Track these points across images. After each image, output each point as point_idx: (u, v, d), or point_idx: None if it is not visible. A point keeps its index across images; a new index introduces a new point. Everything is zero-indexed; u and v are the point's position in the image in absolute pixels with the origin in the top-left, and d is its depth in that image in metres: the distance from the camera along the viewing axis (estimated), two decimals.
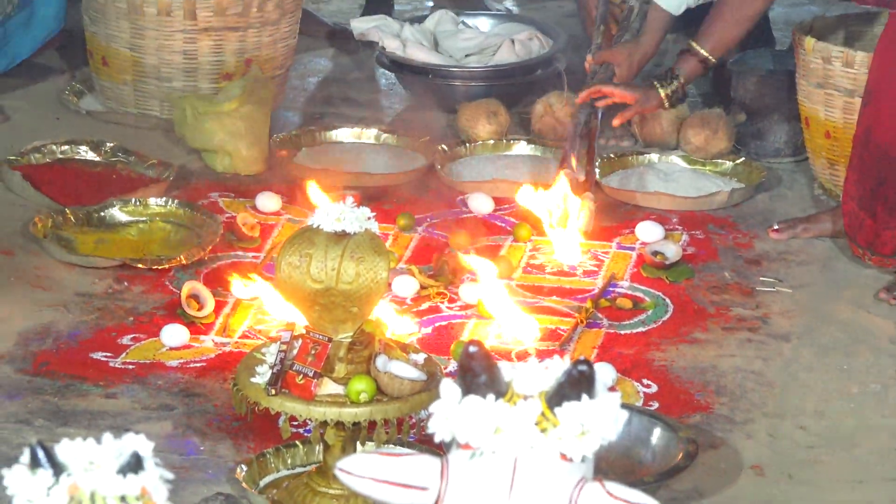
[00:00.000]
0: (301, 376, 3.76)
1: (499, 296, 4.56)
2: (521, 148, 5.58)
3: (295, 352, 3.83)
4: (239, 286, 4.60)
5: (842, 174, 5.21)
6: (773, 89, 5.59)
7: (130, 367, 4.33)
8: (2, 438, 3.94)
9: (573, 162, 5.17)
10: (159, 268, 4.77)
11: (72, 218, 4.98)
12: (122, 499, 2.47)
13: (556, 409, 2.76)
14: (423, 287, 4.67)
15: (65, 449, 2.51)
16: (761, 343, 4.60)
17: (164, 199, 5.12)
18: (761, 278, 4.93)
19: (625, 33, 5.50)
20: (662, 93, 5.17)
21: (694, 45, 5.12)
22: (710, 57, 5.13)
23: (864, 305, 4.80)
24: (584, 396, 2.76)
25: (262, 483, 3.80)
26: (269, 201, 5.13)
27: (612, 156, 5.53)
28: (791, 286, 4.89)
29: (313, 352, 3.81)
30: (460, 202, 5.25)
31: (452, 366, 4.19)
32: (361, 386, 3.72)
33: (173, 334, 4.43)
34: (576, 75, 5.79)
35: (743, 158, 5.54)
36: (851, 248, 4.93)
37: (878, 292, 4.82)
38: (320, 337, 3.82)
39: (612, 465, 3.72)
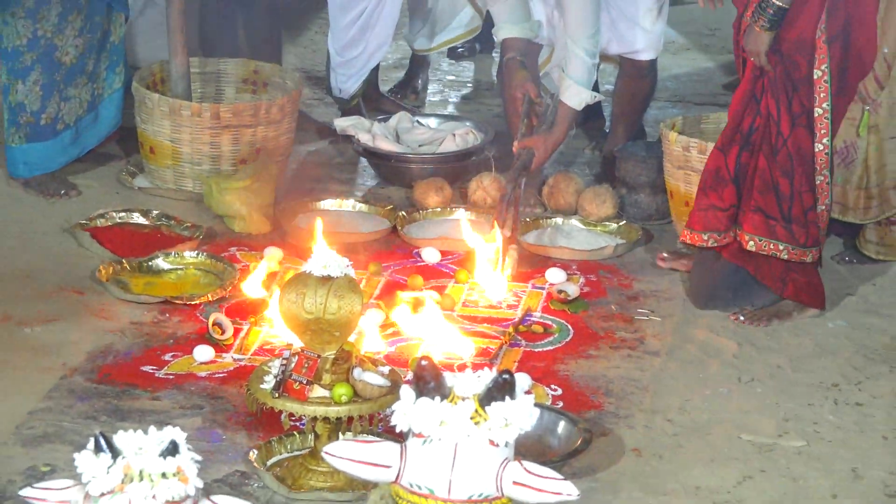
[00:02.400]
0: (297, 383, 3.76)
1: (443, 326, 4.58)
2: (461, 214, 5.53)
3: (293, 365, 3.82)
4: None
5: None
6: (646, 170, 5.58)
7: (171, 377, 4.31)
8: (75, 430, 3.93)
9: (503, 222, 5.18)
10: (192, 303, 4.76)
11: (127, 266, 4.97)
12: (163, 475, 2.47)
13: (486, 407, 2.77)
14: (387, 317, 4.66)
15: (120, 438, 2.51)
16: (639, 358, 4.59)
17: (196, 252, 5.10)
18: (639, 310, 4.92)
19: (542, 124, 5.51)
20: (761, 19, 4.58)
21: None
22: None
23: (715, 330, 4.81)
24: (507, 398, 2.77)
25: (268, 463, 3.79)
26: (273, 252, 5.09)
27: (528, 220, 5.50)
28: (660, 316, 4.89)
29: (306, 365, 3.80)
30: (415, 254, 5.23)
31: (410, 375, 4.18)
32: (342, 391, 3.71)
33: (202, 352, 4.42)
34: (501, 160, 5.79)
35: (624, 221, 5.52)
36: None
37: (658, 255, 5.03)
38: (311, 354, 3.82)
39: (528, 448, 3.70)
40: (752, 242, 4.75)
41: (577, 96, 5.44)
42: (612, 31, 5.75)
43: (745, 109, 4.75)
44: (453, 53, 7.18)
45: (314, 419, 3.71)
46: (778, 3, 4.51)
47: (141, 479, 2.49)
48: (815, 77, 4.61)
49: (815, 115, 4.62)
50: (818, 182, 4.71)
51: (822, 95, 4.63)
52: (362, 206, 5.60)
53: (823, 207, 4.76)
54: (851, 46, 4.63)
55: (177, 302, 4.77)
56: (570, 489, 2.77)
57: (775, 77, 4.64)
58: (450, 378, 2.90)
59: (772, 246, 4.74)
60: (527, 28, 5.58)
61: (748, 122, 4.73)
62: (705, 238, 4.83)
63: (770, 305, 4.87)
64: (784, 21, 4.56)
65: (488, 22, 6.42)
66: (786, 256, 4.75)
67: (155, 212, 5.41)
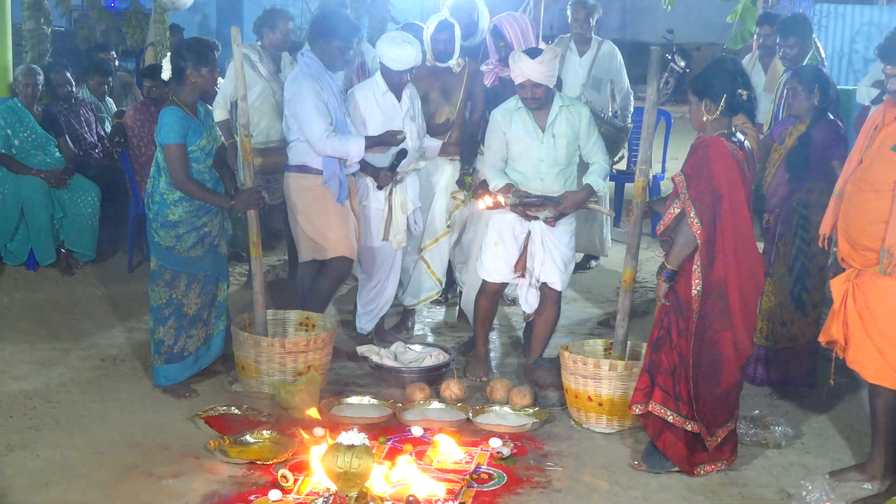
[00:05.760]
0: None
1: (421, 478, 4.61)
2: (436, 405, 5.54)
3: (330, 502, 3.87)
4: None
5: (584, 417, 5.25)
6: (551, 375, 5.59)
7: None
8: None
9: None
10: (268, 463, 4.76)
11: (227, 440, 4.98)
12: None
13: None
14: (389, 472, 4.61)
15: None
16: (548, 494, 4.62)
17: (270, 431, 5.11)
18: (547, 464, 4.91)
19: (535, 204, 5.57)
20: (661, 275, 4.68)
21: (665, 264, 4.69)
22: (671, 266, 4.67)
23: (595, 475, 4.83)
24: None
25: None
26: (318, 431, 5.08)
27: (478, 407, 5.48)
28: (561, 467, 4.89)
29: (339, 502, 3.86)
30: (408, 431, 5.21)
31: None
32: None
33: (274, 494, 4.44)
34: (460, 370, 5.86)
35: (538, 408, 5.50)
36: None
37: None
38: (342, 494, 3.88)
39: None
40: (650, 408, 4.70)
41: (597, 181, 5.56)
42: (541, 268, 5.76)
43: (655, 326, 4.77)
44: (436, 301, 7.19)
45: None
46: (670, 268, 4.65)
47: None
48: (693, 294, 4.59)
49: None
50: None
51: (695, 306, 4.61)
52: (374, 401, 5.59)
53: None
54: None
55: (258, 463, 4.78)
56: None
57: (671, 307, 4.69)
58: None
59: (664, 412, 4.67)
60: (506, 178, 5.66)
61: (656, 334, 4.74)
62: (634, 408, 4.78)
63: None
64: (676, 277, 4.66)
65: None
66: (671, 420, 4.66)
67: (245, 406, 5.42)
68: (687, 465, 4.76)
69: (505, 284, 5.90)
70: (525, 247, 5.73)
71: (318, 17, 6.03)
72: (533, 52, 5.52)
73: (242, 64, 5.61)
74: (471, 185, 6.02)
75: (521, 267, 5.77)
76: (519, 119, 5.60)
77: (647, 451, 4.83)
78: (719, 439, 4.76)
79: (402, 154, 6.00)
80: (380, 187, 6.08)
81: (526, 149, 5.62)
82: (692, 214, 4.53)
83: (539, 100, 5.50)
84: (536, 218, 5.60)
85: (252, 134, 5.78)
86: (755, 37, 8.72)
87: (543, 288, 5.86)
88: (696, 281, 4.59)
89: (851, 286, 4.54)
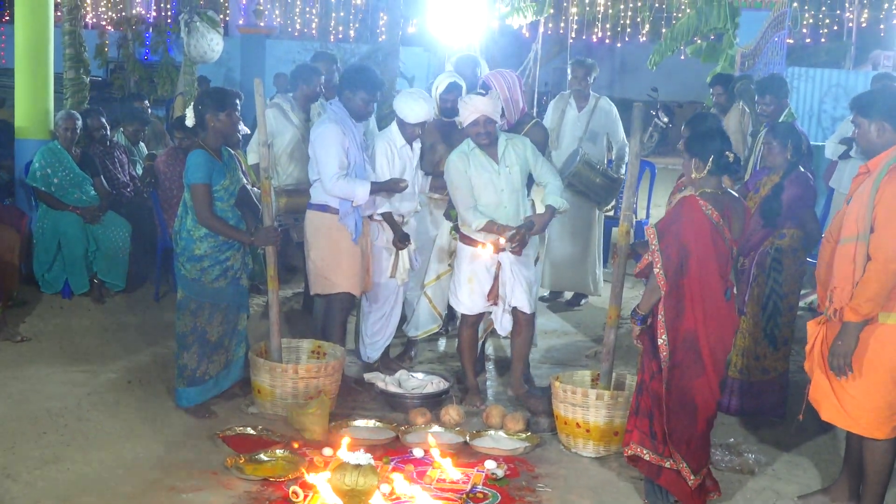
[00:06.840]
0: None
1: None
2: (436, 429, 5.53)
3: None
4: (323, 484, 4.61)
5: (572, 442, 5.23)
6: (542, 403, 5.61)
7: None
8: None
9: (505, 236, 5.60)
10: (280, 480, 4.75)
11: (243, 458, 4.97)
12: None
13: None
14: (391, 490, 4.62)
15: None
16: None
17: (283, 450, 5.10)
18: (538, 485, 4.88)
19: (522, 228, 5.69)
20: (634, 320, 4.63)
21: (636, 309, 4.64)
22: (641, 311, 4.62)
23: (582, 495, 4.80)
24: None
25: None
26: (327, 451, 5.08)
27: (475, 431, 5.47)
28: (550, 488, 4.87)
29: None
30: (410, 452, 5.19)
31: None
32: None
33: None
34: (458, 397, 5.85)
35: (530, 433, 5.48)
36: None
37: None
38: None
39: None
40: (630, 447, 4.63)
41: (556, 200, 5.66)
42: (511, 294, 5.82)
43: (638, 372, 4.71)
44: (437, 333, 7.19)
45: None
46: (641, 314, 4.61)
47: None
48: (659, 343, 4.55)
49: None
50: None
51: (664, 354, 4.53)
52: (378, 424, 5.58)
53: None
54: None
55: (271, 479, 4.77)
56: None
57: (644, 348, 4.66)
58: None
59: (640, 450, 4.59)
60: (483, 215, 5.72)
61: (639, 378, 4.68)
62: (626, 451, 4.65)
63: None
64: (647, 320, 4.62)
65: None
66: (647, 458, 4.57)
67: (259, 426, 5.42)
68: (691, 500, 4.58)
69: (482, 314, 5.94)
70: (496, 277, 5.81)
71: (347, 71, 6.12)
72: (482, 94, 5.75)
73: (264, 112, 5.69)
74: (456, 216, 6.01)
75: (493, 296, 5.84)
76: (475, 158, 5.75)
77: (647, 489, 4.70)
78: (702, 477, 4.64)
79: (407, 237, 6.19)
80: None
81: (487, 182, 5.74)
82: (658, 266, 4.50)
83: (491, 135, 5.68)
84: (504, 250, 5.66)
85: (272, 176, 5.82)
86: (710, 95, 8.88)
87: (516, 312, 5.90)
88: (661, 330, 4.53)
89: (823, 329, 4.54)
